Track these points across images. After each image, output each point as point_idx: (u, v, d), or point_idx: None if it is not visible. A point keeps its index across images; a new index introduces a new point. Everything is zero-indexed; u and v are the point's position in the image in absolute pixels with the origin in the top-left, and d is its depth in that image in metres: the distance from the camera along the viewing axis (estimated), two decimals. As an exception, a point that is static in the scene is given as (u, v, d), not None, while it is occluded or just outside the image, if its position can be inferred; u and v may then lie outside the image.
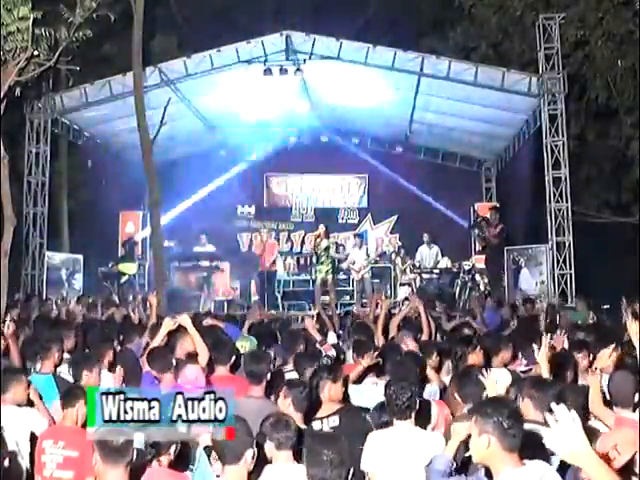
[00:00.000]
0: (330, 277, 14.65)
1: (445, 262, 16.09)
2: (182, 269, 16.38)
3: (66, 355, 6.31)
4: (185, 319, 5.75)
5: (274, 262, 15.63)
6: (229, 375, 5.80)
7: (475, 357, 5.66)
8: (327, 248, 14.55)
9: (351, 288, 16.01)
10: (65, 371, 6.06)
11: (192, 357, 5.53)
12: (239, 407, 4.97)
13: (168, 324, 6.05)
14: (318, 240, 14.65)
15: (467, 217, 17.86)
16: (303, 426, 4.51)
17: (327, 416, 4.83)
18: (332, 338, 8.00)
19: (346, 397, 5.29)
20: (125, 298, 14.89)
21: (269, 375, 5.37)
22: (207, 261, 16.27)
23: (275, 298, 15.67)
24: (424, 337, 7.47)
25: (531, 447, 3.19)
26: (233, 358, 5.88)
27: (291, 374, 5.78)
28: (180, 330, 6.22)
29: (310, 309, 14.77)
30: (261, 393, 5.24)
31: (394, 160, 18.86)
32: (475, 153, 18.82)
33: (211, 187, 18.97)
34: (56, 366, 5.99)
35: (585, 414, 4.44)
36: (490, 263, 14.79)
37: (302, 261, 17.51)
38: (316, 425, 4.77)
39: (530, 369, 5.90)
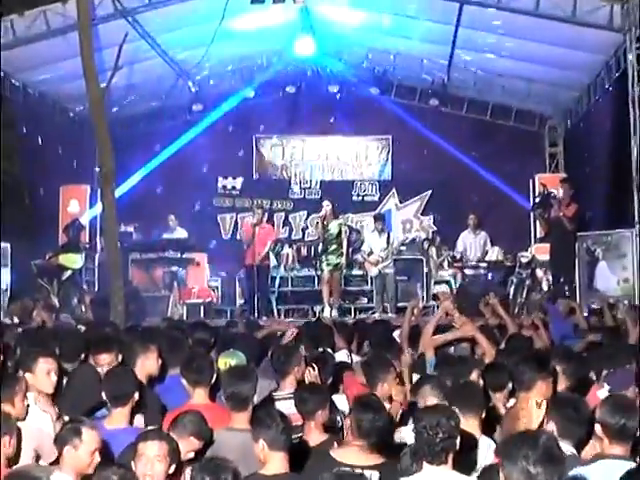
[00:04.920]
0: (338, 272, 14.59)
1: (495, 253, 16.06)
2: (144, 262, 16.36)
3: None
4: None
5: (268, 254, 15.57)
6: (207, 403, 5.86)
7: (544, 387, 5.60)
8: (339, 233, 14.50)
9: (369, 287, 16.01)
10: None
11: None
12: (218, 441, 5.07)
13: None
14: (325, 222, 14.59)
15: (526, 193, 17.83)
16: (285, 469, 4.61)
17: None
18: (342, 356, 8.02)
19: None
20: (68, 300, 14.90)
21: (256, 399, 5.40)
22: (177, 251, 16.26)
23: (268, 301, 15.64)
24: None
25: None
26: (214, 377, 5.95)
27: (285, 402, 5.84)
28: (144, 345, 6.26)
29: (315, 315, 14.76)
30: (245, 424, 5.27)
31: (427, 116, 18.81)
32: (535, 107, 18.71)
33: (182, 152, 18.92)
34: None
35: None
36: (557, 254, 14.71)
37: (304, 251, 17.50)
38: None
39: None
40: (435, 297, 15.05)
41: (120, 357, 6.61)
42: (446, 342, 7.64)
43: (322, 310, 14.60)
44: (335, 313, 14.25)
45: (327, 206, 14.72)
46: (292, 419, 5.21)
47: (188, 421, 4.94)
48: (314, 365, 6.65)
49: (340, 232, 14.60)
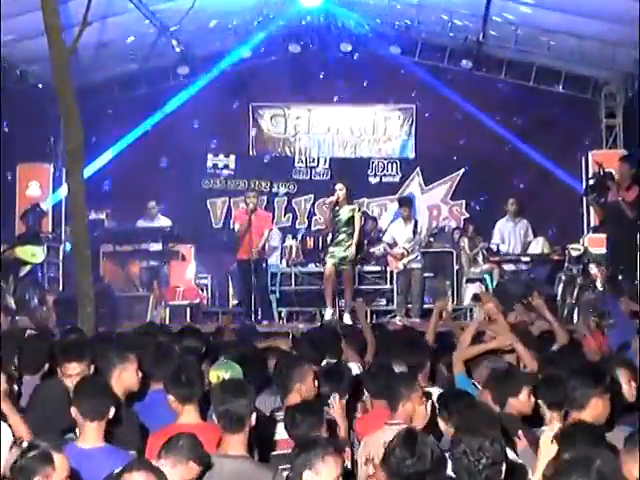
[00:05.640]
0: (349, 267, 14.42)
1: (540, 245, 16.02)
2: (118, 255, 16.41)
3: None
4: None
5: (265, 246, 15.54)
6: (199, 423, 5.90)
7: (601, 405, 5.56)
8: (350, 220, 14.33)
9: (388, 286, 16.05)
10: None
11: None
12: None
13: None
14: (337, 209, 14.45)
15: (577, 173, 17.80)
16: None
17: None
18: (354, 368, 7.96)
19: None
20: (26, 300, 14.88)
21: (254, 419, 5.39)
22: (158, 243, 16.27)
23: (268, 303, 15.64)
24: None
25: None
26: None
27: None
28: (121, 355, 6.30)
29: (323, 318, 14.69)
30: (241, 449, 5.31)
31: (458, 81, 18.82)
32: (589, 70, 18.60)
33: (164, 125, 18.98)
34: None
35: None
36: (615, 246, 14.65)
37: (311, 243, 17.46)
38: None
39: None
40: (476, 297, 14.95)
41: (92, 368, 6.61)
42: (478, 354, 7.60)
43: (332, 313, 14.43)
44: (348, 318, 14.11)
45: (340, 190, 14.40)
46: (283, 445, 5.22)
47: (184, 444, 4.91)
48: (340, 394, 6.57)
49: (351, 220, 14.32)
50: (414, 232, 15.25)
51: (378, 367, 7.27)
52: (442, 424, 5.74)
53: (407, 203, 16.04)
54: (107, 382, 5.80)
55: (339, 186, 14.48)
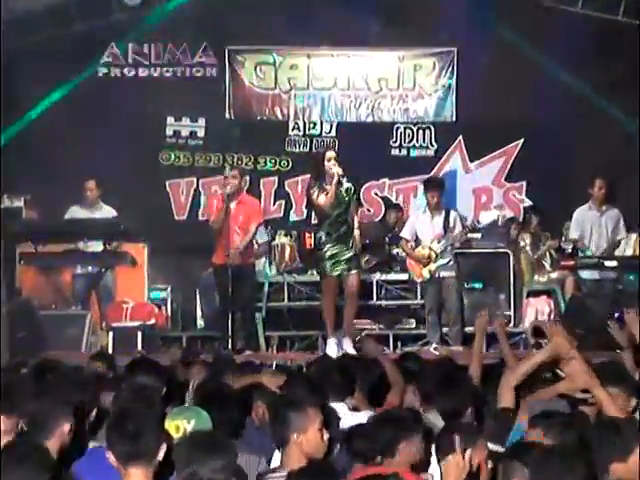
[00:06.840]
0: (354, 276, 14.31)
1: (632, 244, 15.97)
2: (42, 258, 16.32)
3: None
4: None
5: (250, 245, 15.49)
6: None
7: None
8: (347, 207, 14.08)
9: (420, 301, 16.20)
10: None
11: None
12: None
13: None
14: (327, 188, 14.12)
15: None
16: None
17: None
18: (366, 417, 7.98)
19: None
20: None
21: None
22: (99, 241, 16.23)
23: (253, 324, 15.63)
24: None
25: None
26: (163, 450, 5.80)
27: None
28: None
29: (325, 345, 14.64)
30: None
31: (517, 16, 18.75)
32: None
33: (107, 74, 18.96)
34: None
35: None
36: None
37: (311, 241, 17.37)
38: None
39: None
40: (537, 331, 14.82)
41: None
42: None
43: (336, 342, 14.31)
44: (349, 345, 13.91)
45: (333, 163, 13.96)
46: None
47: None
48: None
49: (349, 205, 14.17)
50: (445, 227, 15.10)
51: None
52: None
53: (435, 186, 15.81)
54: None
55: (330, 155, 14.14)
